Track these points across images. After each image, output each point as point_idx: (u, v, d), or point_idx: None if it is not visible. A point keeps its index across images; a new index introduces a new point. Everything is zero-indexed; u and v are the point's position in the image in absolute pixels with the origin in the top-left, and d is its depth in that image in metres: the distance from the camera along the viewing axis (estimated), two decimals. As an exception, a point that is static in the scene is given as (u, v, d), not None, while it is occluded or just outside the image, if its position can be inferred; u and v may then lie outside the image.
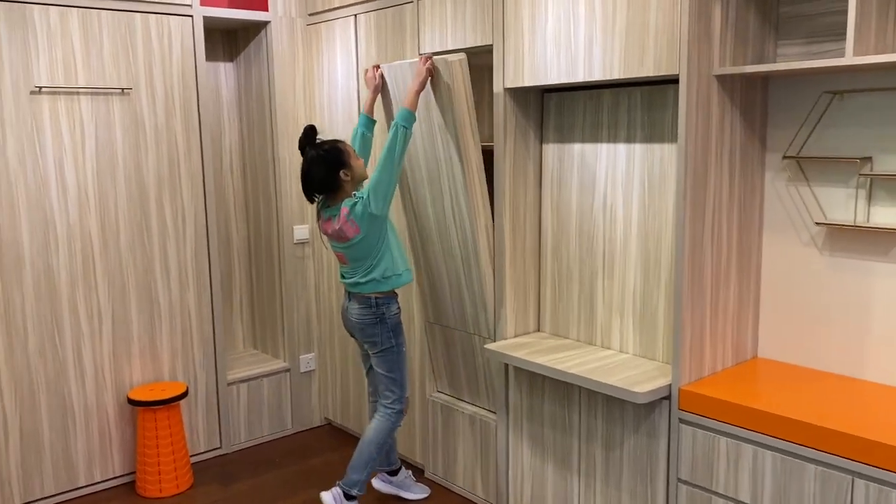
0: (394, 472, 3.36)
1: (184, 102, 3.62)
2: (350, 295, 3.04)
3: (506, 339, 3.04)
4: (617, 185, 2.76)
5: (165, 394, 3.48)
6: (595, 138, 2.81)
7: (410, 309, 3.55)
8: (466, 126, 2.81)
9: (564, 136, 2.93)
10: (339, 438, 4.12)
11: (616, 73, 2.48)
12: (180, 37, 3.57)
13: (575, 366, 2.64)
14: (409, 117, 2.80)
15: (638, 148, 2.67)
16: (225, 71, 4.20)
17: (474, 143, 2.85)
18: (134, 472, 3.60)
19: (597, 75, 2.54)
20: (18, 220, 3.21)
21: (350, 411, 4.09)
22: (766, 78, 2.54)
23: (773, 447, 2.18)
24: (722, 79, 2.38)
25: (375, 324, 2.99)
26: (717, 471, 2.32)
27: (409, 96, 2.82)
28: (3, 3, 3.08)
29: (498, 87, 2.90)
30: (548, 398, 2.90)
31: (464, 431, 3.33)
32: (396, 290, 3.05)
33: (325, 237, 3.01)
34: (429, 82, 2.86)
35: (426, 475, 3.59)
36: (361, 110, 3.13)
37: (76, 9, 3.26)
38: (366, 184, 2.90)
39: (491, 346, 2.93)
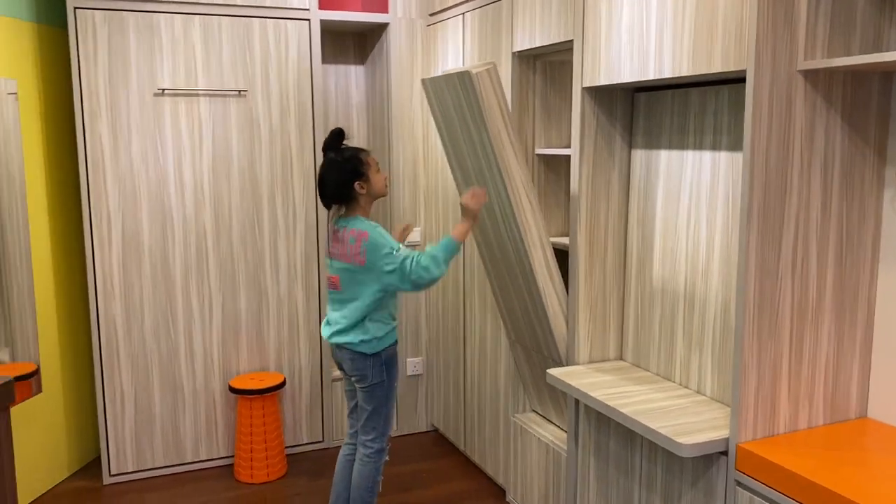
0: None
1: (298, 104, 3.73)
2: None
3: (578, 364, 2.76)
4: (701, 199, 2.38)
5: (263, 384, 3.62)
6: (681, 144, 2.45)
7: (498, 324, 3.37)
8: (504, 140, 2.56)
9: (652, 142, 2.59)
10: (441, 447, 4.03)
11: (685, 70, 2.13)
12: (297, 40, 3.68)
13: (631, 404, 2.32)
14: (454, 249, 2.61)
15: (723, 157, 2.29)
16: (355, 73, 4.28)
17: (515, 158, 2.60)
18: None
19: (667, 72, 2.20)
20: (140, 212, 3.50)
21: (451, 421, 3.99)
22: (888, 73, 2.04)
23: (835, 535, 1.74)
24: (811, 74, 1.94)
25: (367, 356, 2.75)
26: (772, 551, 1.91)
27: (460, 229, 2.64)
28: (133, 13, 3.37)
29: (576, 87, 2.63)
30: (613, 436, 2.58)
31: (539, 459, 3.09)
32: (394, 318, 2.82)
33: (328, 257, 2.80)
34: (463, 99, 2.62)
35: (507, 498, 3.39)
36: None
37: (199, 16, 3.48)
38: (401, 249, 2.65)
39: (554, 371, 2.67)
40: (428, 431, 4.24)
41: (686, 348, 2.48)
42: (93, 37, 3.33)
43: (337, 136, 2.73)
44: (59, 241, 3.57)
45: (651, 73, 2.27)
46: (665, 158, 2.53)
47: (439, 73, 3.79)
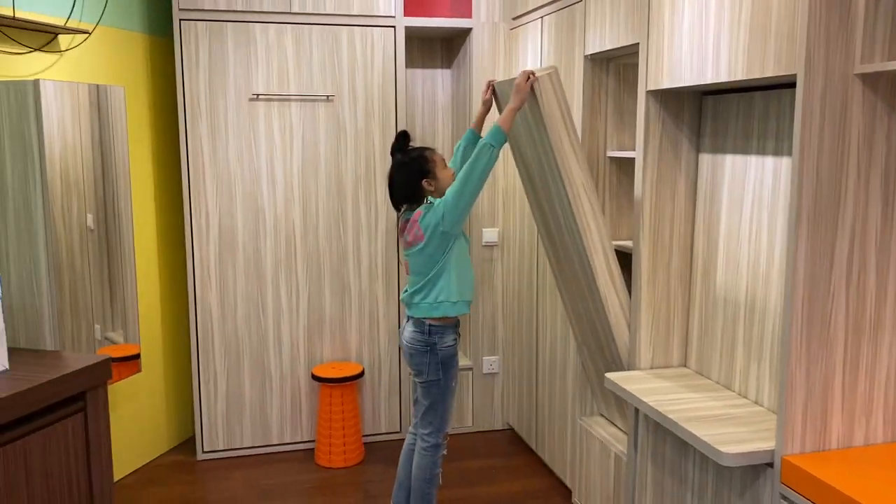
0: None
1: (382, 108, 3.88)
2: (407, 315, 2.91)
3: (639, 369, 2.75)
4: (762, 205, 2.33)
5: (343, 373, 3.80)
6: (745, 149, 2.40)
7: (567, 327, 3.39)
8: (564, 144, 2.58)
9: (718, 146, 2.55)
10: (514, 445, 4.09)
11: (740, 74, 2.09)
12: (382, 46, 3.83)
13: (682, 410, 2.30)
14: (500, 137, 2.62)
15: (784, 163, 2.23)
16: (442, 77, 4.39)
17: (576, 161, 2.61)
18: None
19: (723, 76, 2.17)
20: (235, 209, 3.76)
21: (524, 421, 4.04)
22: (963, 75, 1.93)
23: (874, 556, 1.68)
24: (870, 78, 1.87)
25: (425, 352, 2.82)
26: (814, 569, 1.86)
27: (505, 113, 2.63)
28: (232, 23, 3.63)
29: (641, 90, 2.62)
30: (669, 443, 2.56)
31: (602, 462, 3.10)
32: (457, 318, 2.87)
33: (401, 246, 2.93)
34: (525, 102, 2.64)
35: (573, 499, 3.41)
36: (470, 124, 2.98)
37: (291, 25, 3.70)
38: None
39: (611, 375, 2.68)
40: (503, 429, 4.30)
41: (745, 357, 2.43)
42: (195, 45, 3.60)
43: (402, 137, 2.86)
44: (163, 235, 3.89)
45: (709, 77, 2.24)
46: (730, 163, 2.48)
47: (520, 76, 3.84)
